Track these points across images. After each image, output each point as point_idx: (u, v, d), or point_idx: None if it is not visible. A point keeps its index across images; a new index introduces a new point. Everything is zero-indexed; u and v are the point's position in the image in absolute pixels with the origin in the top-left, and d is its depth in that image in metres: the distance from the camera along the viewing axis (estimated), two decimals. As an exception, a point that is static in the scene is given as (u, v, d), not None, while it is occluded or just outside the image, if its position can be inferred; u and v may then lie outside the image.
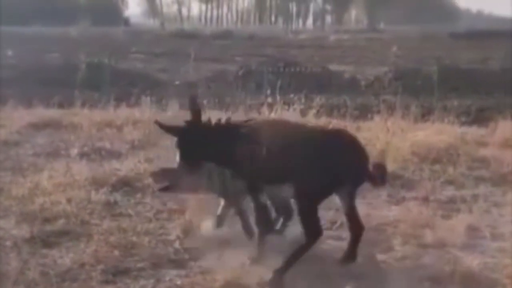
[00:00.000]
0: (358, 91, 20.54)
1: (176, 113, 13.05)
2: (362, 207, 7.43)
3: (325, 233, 6.72)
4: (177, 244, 6.42)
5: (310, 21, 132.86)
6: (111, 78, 19.47)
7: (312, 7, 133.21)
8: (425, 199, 7.84)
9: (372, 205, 7.73)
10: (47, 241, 6.45)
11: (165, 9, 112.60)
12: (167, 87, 19.63)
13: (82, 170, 8.56)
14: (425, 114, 13.88)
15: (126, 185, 8.34)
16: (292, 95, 12.94)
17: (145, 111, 13.36)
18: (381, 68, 24.43)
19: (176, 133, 6.21)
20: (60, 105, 14.37)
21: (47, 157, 9.89)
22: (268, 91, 15.10)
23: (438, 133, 11.34)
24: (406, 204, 7.73)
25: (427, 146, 10.34)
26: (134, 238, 6.43)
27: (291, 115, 11.88)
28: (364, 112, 15.46)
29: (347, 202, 5.92)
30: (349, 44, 51.11)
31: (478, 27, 73.95)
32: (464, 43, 45.31)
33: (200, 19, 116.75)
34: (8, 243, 6.37)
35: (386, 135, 10.99)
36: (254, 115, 11.68)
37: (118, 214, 7.32)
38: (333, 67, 25.85)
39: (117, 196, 7.90)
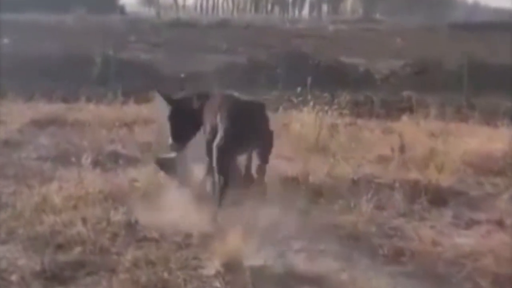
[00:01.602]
0: (374, 86, 19.46)
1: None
2: (426, 232, 6.40)
3: (392, 268, 5.66)
4: (218, 283, 5.28)
5: (306, 10, 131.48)
6: (116, 71, 18.37)
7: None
8: (500, 223, 6.72)
9: (437, 230, 6.60)
10: (61, 276, 5.30)
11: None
12: (173, 81, 18.65)
13: (95, 180, 7.42)
14: (455, 113, 12.83)
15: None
16: (319, 92, 11.72)
17: (155, 108, 12.30)
18: (394, 61, 23.31)
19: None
20: (64, 99, 13.24)
21: (54, 162, 8.71)
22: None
23: (487, 137, 10.25)
24: (477, 228, 6.61)
25: (478, 153, 9.19)
26: (166, 275, 5.30)
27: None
28: (388, 111, 14.42)
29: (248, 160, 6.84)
30: (349, 34, 49.72)
31: (476, 18, 72.77)
32: (466, 35, 43.95)
33: (195, 8, 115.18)
34: (14, 277, 5.24)
35: (429, 140, 9.93)
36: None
37: (142, 238, 6.17)
38: (344, 59, 24.65)
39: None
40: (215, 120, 6.74)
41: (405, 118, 12.92)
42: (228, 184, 6.53)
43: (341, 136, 10.15)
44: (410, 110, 13.35)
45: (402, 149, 8.80)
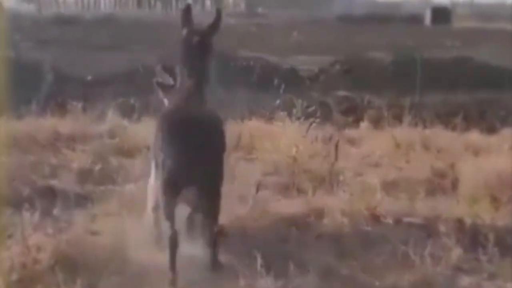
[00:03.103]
0: (303, 87, 17.82)
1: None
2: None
3: None
4: None
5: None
6: (13, 74, 16.00)
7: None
8: None
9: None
10: None
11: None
12: (78, 84, 16.72)
13: (41, 238, 5.26)
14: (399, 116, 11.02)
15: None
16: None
17: (79, 122, 10.25)
18: (318, 57, 21.84)
19: None
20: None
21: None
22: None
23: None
24: None
25: (501, 174, 7.46)
26: None
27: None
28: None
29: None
30: (241, 28, 48.41)
31: (356, 11, 73.15)
32: (358, 28, 43.28)
33: (76, 3, 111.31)
34: None
35: (427, 156, 8.26)
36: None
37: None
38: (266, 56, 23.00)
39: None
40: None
41: (363, 124, 11.39)
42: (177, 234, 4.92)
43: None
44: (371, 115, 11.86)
45: (455, 184, 6.92)
